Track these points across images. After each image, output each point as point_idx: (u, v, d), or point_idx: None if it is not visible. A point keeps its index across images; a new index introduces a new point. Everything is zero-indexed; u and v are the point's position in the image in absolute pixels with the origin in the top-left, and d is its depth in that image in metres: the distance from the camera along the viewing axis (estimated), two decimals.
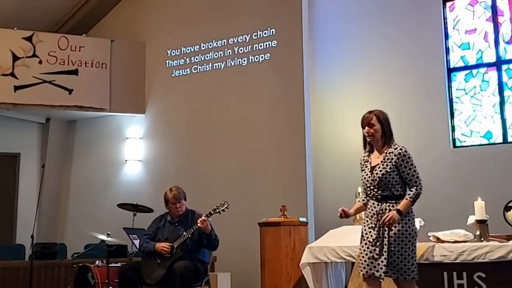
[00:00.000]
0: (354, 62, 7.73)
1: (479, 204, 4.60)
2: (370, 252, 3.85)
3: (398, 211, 3.81)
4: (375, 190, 3.92)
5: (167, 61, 8.59)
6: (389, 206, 3.86)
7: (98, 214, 8.44)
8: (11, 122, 8.77)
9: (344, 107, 7.73)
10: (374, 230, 3.87)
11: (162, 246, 5.30)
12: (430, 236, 4.76)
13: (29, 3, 8.52)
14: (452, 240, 4.56)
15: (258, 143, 7.65)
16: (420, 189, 3.94)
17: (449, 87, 7.31)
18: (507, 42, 7.11)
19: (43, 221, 8.48)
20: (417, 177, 3.95)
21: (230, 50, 8.09)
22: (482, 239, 4.47)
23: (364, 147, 4.13)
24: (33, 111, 8.59)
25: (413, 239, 3.84)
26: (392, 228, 3.80)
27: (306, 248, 5.30)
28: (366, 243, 3.91)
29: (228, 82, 8.04)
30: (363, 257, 3.90)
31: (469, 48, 7.33)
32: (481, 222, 4.55)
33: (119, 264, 5.95)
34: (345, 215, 4.05)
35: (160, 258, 5.30)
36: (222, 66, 8.13)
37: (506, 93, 7.04)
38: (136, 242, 5.90)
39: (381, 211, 3.87)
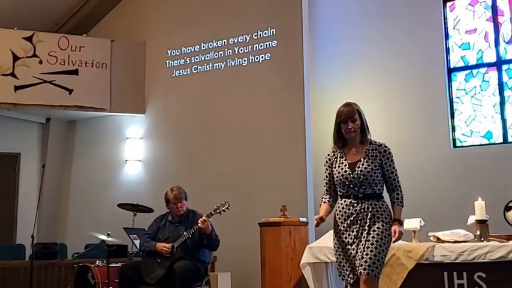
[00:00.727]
0: (354, 62, 7.73)
1: (479, 204, 4.60)
2: (351, 254, 3.65)
3: (399, 221, 3.69)
4: (356, 188, 3.69)
5: (167, 61, 8.59)
6: (370, 205, 3.67)
7: (98, 214, 8.43)
8: (11, 122, 8.77)
9: None
10: (352, 231, 3.67)
11: (163, 246, 5.30)
12: (431, 236, 4.76)
13: (29, 3, 8.52)
14: (452, 240, 4.57)
15: (258, 143, 7.65)
16: (402, 191, 3.79)
17: (450, 87, 7.30)
18: (507, 42, 7.11)
19: (43, 221, 8.48)
20: (399, 178, 3.80)
21: (230, 50, 8.10)
22: (482, 239, 4.47)
23: (337, 142, 3.85)
24: (33, 111, 8.59)
25: (391, 239, 3.67)
26: (375, 228, 3.61)
27: (306, 248, 5.31)
28: (343, 248, 3.70)
29: (228, 82, 8.04)
30: (345, 264, 3.69)
31: (469, 48, 7.32)
32: (481, 222, 4.55)
33: (119, 264, 5.95)
34: (321, 221, 3.74)
35: (161, 258, 5.30)
36: (222, 66, 8.14)
37: (507, 93, 7.04)
38: (137, 242, 5.91)
39: (362, 210, 3.66)
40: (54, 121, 9.06)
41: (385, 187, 3.79)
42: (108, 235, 6.02)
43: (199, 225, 5.16)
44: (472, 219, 4.69)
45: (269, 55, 7.79)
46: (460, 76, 7.34)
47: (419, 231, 4.85)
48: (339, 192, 3.82)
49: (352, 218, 3.68)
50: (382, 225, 3.63)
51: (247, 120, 7.82)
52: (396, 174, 3.78)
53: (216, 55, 8.20)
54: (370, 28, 7.70)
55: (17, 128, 8.90)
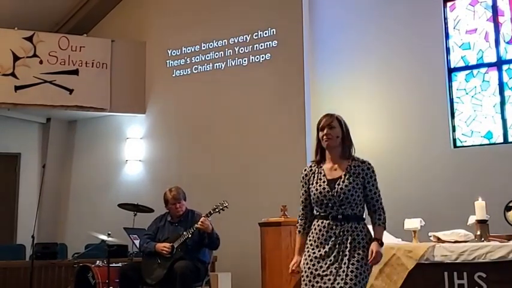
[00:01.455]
0: (355, 63, 7.73)
1: (479, 204, 4.59)
2: (325, 283, 3.23)
3: (380, 242, 3.30)
4: (335, 208, 3.29)
5: (168, 61, 8.59)
6: (350, 227, 3.27)
7: (98, 214, 8.44)
8: (12, 122, 8.78)
9: (344, 107, 7.71)
10: (330, 260, 3.25)
11: (163, 246, 5.30)
12: (431, 236, 4.75)
13: (29, 3, 8.52)
14: (452, 240, 4.56)
15: (258, 143, 7.65)
16: (384, 213, 3.39)
17: (450, 87, 7.30)
18: (507, 42, 7.10)
19: (44, 221, 8.48)
20: (381, 200, 3.40)
21: (231, 50, 8.10)
22: (482, 239, 4.47)
23: (316, 155, 3.49)
24: (33, 111, 8.60)
25: (372, 266, 3.33)
26: (356, 255, 3.24)
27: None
28: (317, 281, 3.26)
29: (228, 82, 8.04)
30: None
31: (470, 48, 7.32)
32: (481, 222, 4.54)
33: (119, 264, 5.95)
34: (298, 271, 3.41)
35: (161, 258, 5.30)
36: (223, 66, 8.14)
37: (507, 93, 7.03)
38: (137, 242, 5.90)
39: (341, 233, 3.26)
40: (55, 121, 9.06)
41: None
42: (109, 235, 6.02)
43: (198, 225, 5.15)
44: (472, 219, 4.69)
45: (269, 55, 7.79)
46: (460, 76, 7.34)
47: (419, 231, 4.84)
48: (315, 212, 3.43)
49: (330, 243, 3.27)
50: (363, 252, 3.26)
51: (247, 120, 7.82)
52: (379, 195, 3.39)
53: (217, 55, 8.20)
54: (371, 28, 7.70)
55: (17, 128, 8.91)
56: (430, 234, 4.77)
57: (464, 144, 7.19)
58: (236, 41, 8.07)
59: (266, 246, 5.75)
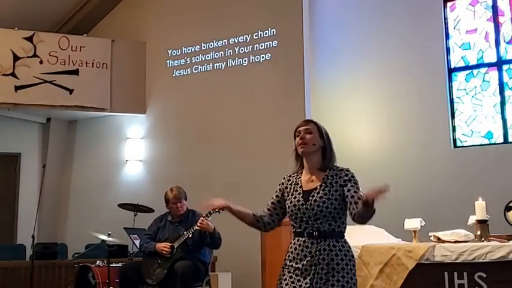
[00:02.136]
0: (355, 62, 7.74)
1: (479, 204, 4.59)
2: None
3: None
4: (310, 223, 2.94)
5: (168, 61, 8.59)
6: (328, 246, 2.88)
7: (98, 214, 8.44)
8: (12, 122, 8.78)
9: (345, 106, 7.73)
10: (305, 278, 2.89)
11: (163, 246, 5.30)
12: (431, 236, 4.75)
13: (29, 3, 8.52)
14: (453, 240, 4.56)
15: (258, 143, 7.65)
16: None
17: (450, 87, 7.30)
18: (508, 42, 7.11)
19: (44, 221, 8.48)
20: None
21: (231, 50, 8.10)
22: (483, 239, 4.46)
23: (296, 164, 3.18)
24: (33, 111, 8.60)
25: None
26: (334, 282, 2.85)
27: None
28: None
29: (228, 82, 8.04)
30: None
31: (470, 48, 7.32)
32: (481, 222, 4.54)
33: (119, 264, 5.95)
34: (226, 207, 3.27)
35: (161, 258, 5.30)
36: (223, 66, 8.14)
37: (507, 93, 7.04)
38: (137, 242, 5.90)
39: (318, 252, 2.88)
40: (55, 121, 9.06)
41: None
42: (109, 235, 6.02)
43: (197, 226, 5.13)
44: (472, 219, 4.68)
45: (269, 55, 7.79)
46: (460, 76, 7.34)
47: (419, 231, 4.84)
48: (292, 228, 3.08)
49: (305, 263, 2.90)
50: (343, 277, 2.86)
51: (247, 120, 7.82)
52: (359, 194, 2.94)
53: (217, 55, 8.20)
54: (371, 28, 7.70)
55: (17, 128, 8.90)
56: (430, 234, 4.77)
57: (465, 144, 7.19)
58: (236, 41, 8.07)
59: (266, 246, 5.75)
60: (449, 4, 7.48)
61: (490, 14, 7.23)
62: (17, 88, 8.08)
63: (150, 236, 5.51)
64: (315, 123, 3.16)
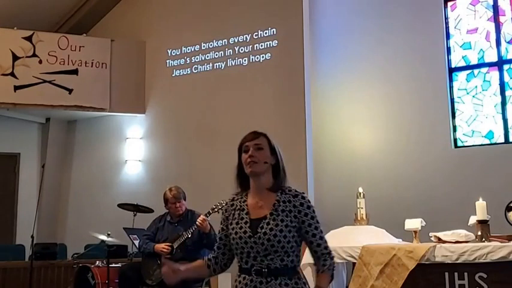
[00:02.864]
0: (355, 62, 7.72)
1: (480, 204, 4.57)
2: None
3: None
4: (259, 259, 2.49)
5: (167, 61, 8.58)
6: (280, 285, 2.48)
7: (98, 214, 8.42)
8: (11, 122, 8.77)
9: (345, 106, 7.71)
10: None
11: (162, 247, 5.28)
12: (432, 237, 4.73)
13: (29, 3, 8.51)
14: (453, 241, 4.54)
15: None
16: (333, 258, 2.62)
17: (451, 87, 7.29)
18: (508, 42, 7.09)
19: (43, 221, 8.47)
20: (326, 240, 2.63)
21: (231, 50, 8.08)
22: (483, 239, 4.45)
23: (238, 186, 2.71)
24: (33, 111, 8.59)
25: None
26: None
27: (306, 249, 5.27)
28: None
29: (228, 82, 8.02)
30: None
31: (471, 48, 7.30)
32: (482, 223, 4.52)
33: (119, 265, 5.94)
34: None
35: (161, 258, 5.28)
36: (223, 66, 8.12)
37: (508, 93, 7.02)
38: (137, 242, 5.89)
39: None
40: (54, 121, 9.05)
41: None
42: (108, 235, 6.01)
43: (197, 223, 5.13)
44: (473, 220, 4.67)
45: (270, 55, 7.77)
46: (461, 76, 7.32)
47: (420, 232, 4.82)
48: (237, 263, 2.63)
49: None
50: None
51: (247, 120, 7.79)
52: (321, 237, 2.61)
53: (217, 55, 8.19)
54: (371, 28, 7.68)
55: (16, 128, 8.90)
56: (430, 234, 4.75)
57: (465, 144, 7.17)
58: (236, 40, 8.06)
59: None
60: (450, 4, 7.46)
61: (490, 13, 7.21)
62: (16, 88, 8.07)
63: (149, 237, 5.50)
64: (266, 136, 2.80)
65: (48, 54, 8.27)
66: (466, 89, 7.26)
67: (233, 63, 8.04)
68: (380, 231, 5.12)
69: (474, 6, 7.34)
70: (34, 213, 6.97)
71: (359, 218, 5.26)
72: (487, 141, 7.07)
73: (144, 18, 8.91)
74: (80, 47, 8.43)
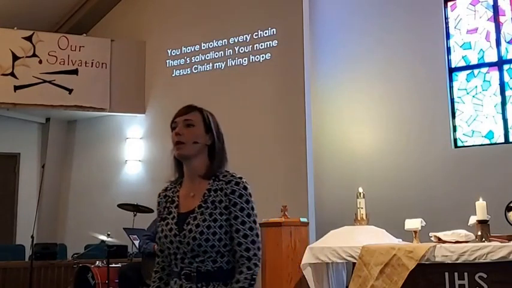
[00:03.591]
0: (355, 62, 7.72)
1: (480, 204, 4.57)
2: None
3: None
4: (187, 261, 2.09)
5: (167, 61, 8.57)
6: None
7: (98, 214, 8.41)
8: (11, 122, 8.76)
9: (345, 106, 7.71)
10: None
11: None
12: (432, 237, 4.73)
13: (29, 3, 8.50)
14: (453, 241, 4.54)
15: (258, 143, 7.63)
16: (256, 264, 2.09)
17: (451, 87, 7.29)
18: (508, 42, 7.09)
19: (43, 221, 8.46)
20: (256, 239, 2.12)
21: (231, 50, 8.08)
22: (483, 239, 4.45)
23: (174, 169, 2.43)
24: (33, 111, 8.58)
25: None
26: None
27: (307, 249, 5.28)
28: None
29: (228, 82, 8.02)
30: None
31: (471, 48, 7.30)
32: (482, 223, 4.52)
33: (119, 265, 5.94)
34: None
35: None
36: (223, 66, 8.12)
37: (508, 93, 7.02)
38: (137, 243, 5.90)
39: None
40: (54, 121, 9.05)
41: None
42: (108, 235, 6.01)
43: None
44: (473, 220, 4.67)
45: (270, 55, 7.77)
46: (461, 76, 7.32)
47: (420, 232, 4.82)
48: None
49: None
50: None
51: (247, 120, 7.80)
52: (245, 235, 2.09)
53: (217, 55, 8.18)
54: (371, 28, 7.68)
55: (16, 128, 8.89)
56: (430, 234, 4.76)
57: (465, 144, 7.17)
58: (236, 40, 8.05)
59: (266, 247, 5.73)
60: (450, 4, 7.46)
61: (490, 13, 7.21)
62: (16, 88, 8.07)
63: (150, 237, 5.50)
64: (201, 110, 2.34)
65: (48, 54, 8.26)
66: (466, 89, 7.26)
67: (233, 63, 8.04)
68: (380, 231, 5.13)
69: (474, 6, 7.34)
70: (34, 213, 6.97)
71: (359, 218, 5.27)
72: (487, 141, 7.07)
73: (144, 18, 8.91)
74: (80, 47, 8.43)
